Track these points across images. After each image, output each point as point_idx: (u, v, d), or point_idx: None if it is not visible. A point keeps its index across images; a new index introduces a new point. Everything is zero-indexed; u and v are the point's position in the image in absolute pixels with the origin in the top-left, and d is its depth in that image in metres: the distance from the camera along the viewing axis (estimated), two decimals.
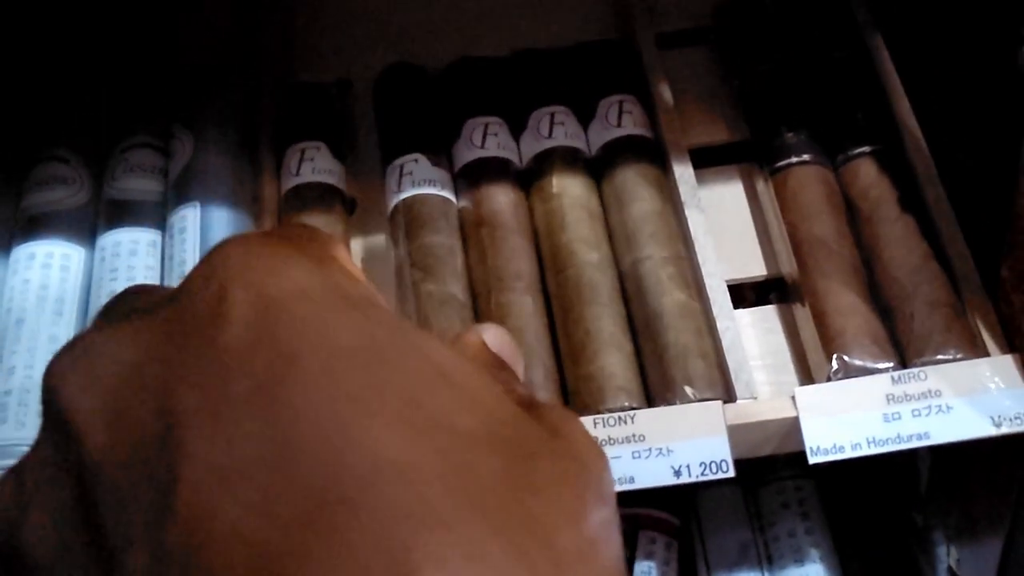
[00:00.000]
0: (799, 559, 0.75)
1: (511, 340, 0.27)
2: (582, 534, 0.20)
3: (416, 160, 0.60)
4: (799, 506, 0.77)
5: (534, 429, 0.22)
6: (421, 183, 0.59)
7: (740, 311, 0.57)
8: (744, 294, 0.62)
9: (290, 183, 0.60)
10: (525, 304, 0.56)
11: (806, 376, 0.55)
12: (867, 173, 0.57)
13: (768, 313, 0.58)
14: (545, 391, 0.54)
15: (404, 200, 0.59)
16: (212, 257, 0.22)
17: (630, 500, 0.78)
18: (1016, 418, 0.50)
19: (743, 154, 0.63)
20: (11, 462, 0.52)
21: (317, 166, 0.60)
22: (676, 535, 0.78)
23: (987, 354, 0.52)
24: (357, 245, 0.62)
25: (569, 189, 0.59)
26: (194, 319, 0.21)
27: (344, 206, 0.61)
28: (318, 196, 0.60)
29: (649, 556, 0.77)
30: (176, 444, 0.19)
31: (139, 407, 0.21)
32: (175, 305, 0.22)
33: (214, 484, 0.19)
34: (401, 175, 0.59)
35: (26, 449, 0.53)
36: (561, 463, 0.22)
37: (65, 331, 0.57)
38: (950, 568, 0.65)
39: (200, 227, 0.58)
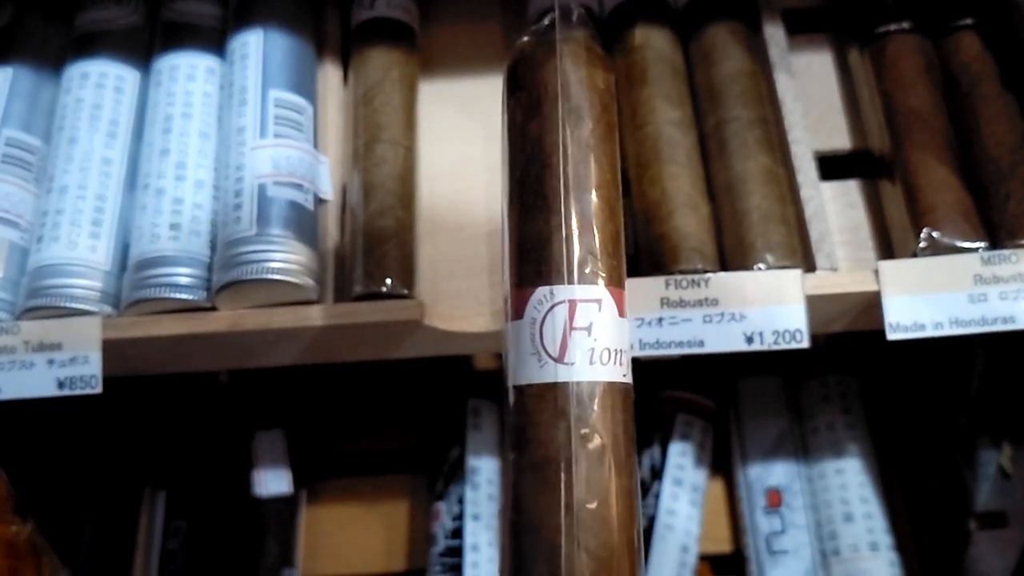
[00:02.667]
0: (837, 452, 0.74)
1: None
2: None
3: None
4: (841, 401, 0.76)
5: None
6: None
7: (823, 184, 0.54)
8: None
9: (363, 16, 0.58)
10: None
11: (886, 256, 0.53)
12: (969, 46, 0.54)
13: (851, 188, 0.55)
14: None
15: None
16: None
17: (670, 383, 0.78)
18: None
19: (833, 23, 0.60)
20: (63, 281, 0.51)
21: (392, 1, 0.57)
22: (713, 420, 0.78)
23: None
24: (423, 87, 0.59)
25: (652, 42, 0.56)
26: None
27: (416, 46, 0.58)
28: (391, 32, 0.57)
29: (685, 438, 0.76)
30: None
31: None
32: None
33: None
34: None
35: (78, 268, 0.51)
36: None
37: (119, 154, 0.55)
38: (1000, 467, 0.64)
39: (263, 54, 0.55)
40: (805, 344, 0.48)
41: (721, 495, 0.78)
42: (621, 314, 0.34)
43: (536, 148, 0.35)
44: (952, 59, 0.54)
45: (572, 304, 0.34)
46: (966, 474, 0.71)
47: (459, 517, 0.72)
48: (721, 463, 0.78)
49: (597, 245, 0.34)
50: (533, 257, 0.35)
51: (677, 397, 0.78)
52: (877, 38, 0.55)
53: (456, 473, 0.74)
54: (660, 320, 0.49)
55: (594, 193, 0.34)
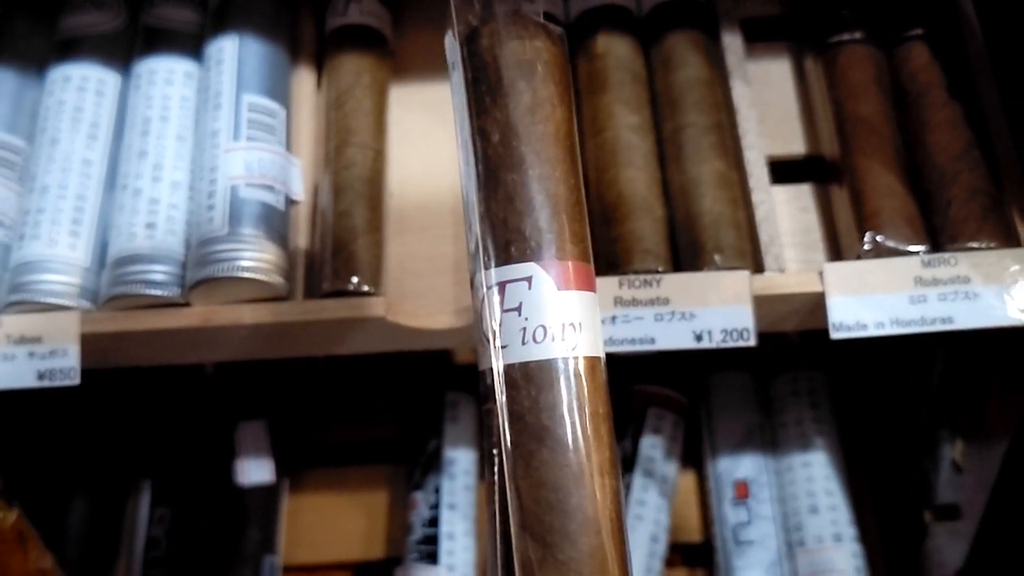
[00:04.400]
0: (804, 446, 0.76)
1: None
2: None
3: None
4: (809, 396, 0.78)
5: None
6: None
7: (776, 187, 0.56)
8: None
9: (336, 22, 0.60)
10: None
11: (836, 257, 0.55)
12: (918, 56, 0.56)
13: (804, 192, 0.57)
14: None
15: None
16: None
17: (643, 377, 0.80)
18: None
19: (793, 32, 0.62)
20: (43, 277, 0.53)
21: (364, 8, 0.60)
22: (684, 414, 0.80)
23: (1020, 245, 0.51)
24: (395, 91, 0.61)
25: (614, 49, 0.58)
26: None
27: (387, 52, 0.60)
28: (364, 38, 0.59)
29: (656, 432, 0.78)
30: None
31: None
32: None
33: None
34: None
35: (58, 265, 0.54)
36: None
37: (99, 155, 0.57)
38: (954, 461, 0.66)
39: (238, 60, 0.57)
40: (752, 343, 0.50)
41: (692, 487, 0.80)
42: (569, 286, 0.33)
43: (465, 132, 0.35)
44: (902, 68, 0.56)
45: (501, 286, 0.33)
46: (928, 468, 0.73)
47: (436, 506, 0.74)
48: (693, 456, 0.80)
49: (526, 222, 0.33)
50: (471, 244, 0.34)
51: (649, 391, 0.80)
52: (830, 47, 0.57)
53: (433, 464, 0.76)
54: (613, 318, 0.51)
55: (521, 171, 0.33)
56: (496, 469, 0.33)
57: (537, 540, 0.32)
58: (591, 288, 0.34)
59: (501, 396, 0.32)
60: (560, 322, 0.33)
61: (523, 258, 0.33)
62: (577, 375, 0.33)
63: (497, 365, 0.33)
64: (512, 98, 0.34)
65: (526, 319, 0.33)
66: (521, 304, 0.33)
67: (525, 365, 0.32)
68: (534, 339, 0.33)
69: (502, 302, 0.33)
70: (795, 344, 0.82)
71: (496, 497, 0.33)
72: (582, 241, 0.34)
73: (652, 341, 0.50)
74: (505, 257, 0.33)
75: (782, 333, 0.81)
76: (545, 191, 0.34)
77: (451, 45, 0.36)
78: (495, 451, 0.33)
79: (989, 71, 0.56)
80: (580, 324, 0.33)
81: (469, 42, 0.35)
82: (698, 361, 0.80)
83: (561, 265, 0.33)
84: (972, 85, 0.56)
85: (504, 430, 0.32)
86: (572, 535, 0.31)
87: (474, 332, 0.34)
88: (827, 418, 0.77)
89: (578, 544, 0.31)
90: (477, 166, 0.34)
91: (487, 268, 0.33)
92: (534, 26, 0.36)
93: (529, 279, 0.33)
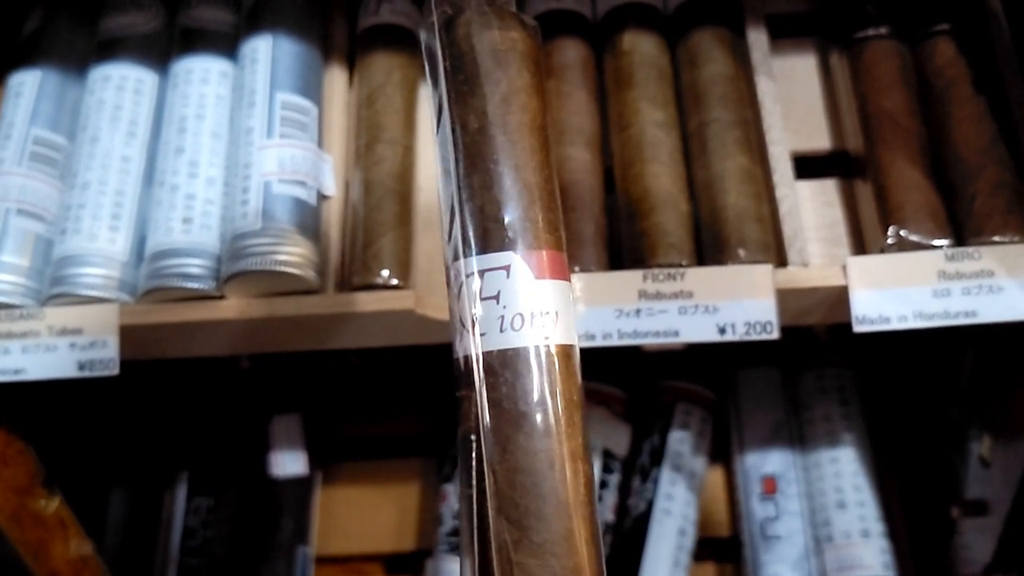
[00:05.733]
0: (832, 442, 0.76)
1: None
2: None
3: None
4: (838, 392, 0.78)
5: None
6: None
7: (801, 183, 0.57)
8: None
9: (368, 22, 0.61)
10: (584, 159, 0.57)
11: (860, 251, 0.55)
12: (944, 51, 0.56)
13: (828, 187, 0.58)
14: (593, 246, 0.55)
15: None
16: None
17: (672, 373, 0.80)
18: None
19: (818, 28, 0.62)
20: (84, 270, 0.55)
21: (396, 7, 0.61)
22: (712, 410, 0.80)
23: None
24: (425, 89, 0.62)
25: (640, 47, 0.58)
26: None
27: (418, 51, 0.61)
28: (395, 37, 0.60)
29: (684, 426, 0.79)
30: None
31: None
32: None
33: None
34: None
35: (98, 259, 0.55)
36: None
37: (137, 153, 0.59)
38: (981, 456, 0.66)
39: (271, 59, 0.58)
40: (775, 335, 0.51)
41: (721, 482, 0.81)
42: (544, 275, 0.34)
43: (441, 122, 0.35)
44: (927, 64, 0.57)
45: (480, 274, 0.34)
46: (956, 464, 0.73)
47: None
48: (722, 451, 0.80)
49: (504, 211, 0.34)
50: (448, 231, 0.35)
51: (678, 387, 0.80)
52: (856, 43, 0.57)
53: None
54: (638, 311, 0.52)
55: (499, 160, 0.34)
56: (474, 454, 0.33)
57: (513, 523, 0.32)
58: (565, 277, 0.35)
59: (480, 383, 0.33)
60: (537, 310, 0.33)
61: (501, 247, 0.34)
62: (552, 363, 0.33)
63: (476, 352, 0.33)
64: (489, 87, 0.35)
65: (504, 307, 0.33)
66: (499, 292, 0.34)
67: (503, 352, 0.33)
68: (512, 327, 0.33)
69: (481, 290, 0.34)
70: (823, 341, 0.82)
71: (474, 482, 0.33)
72: (556, 231, 0.35)
73: (676, 334, 0.51)
74: (484, 245, 0.34)
75: (810, 330, 0.81)
76: (522, 181, 0.34)
77: (428, 34, 0.37)
78: (472, 436, 0.34)
79: (1015, 66, 0.56)
80: (556, 312, 0.34)
81: (446, 31, 0.36)
82: (726, 357, 0.81)
83: (537, 254, 0.34)
84: (998, 80, 0.56)
85: (482, 416, 0.33)
86: (547, 518, 0.32)
87: (450, 319, 0.35)
88: (855, 414, 0.77)
89: (552, 527, 0.32)
90: (456, 154, 0.35)
91: (466, 256, 0.34)
92: (509, 16, 0.36)
93: (507, 268, 0.34)
